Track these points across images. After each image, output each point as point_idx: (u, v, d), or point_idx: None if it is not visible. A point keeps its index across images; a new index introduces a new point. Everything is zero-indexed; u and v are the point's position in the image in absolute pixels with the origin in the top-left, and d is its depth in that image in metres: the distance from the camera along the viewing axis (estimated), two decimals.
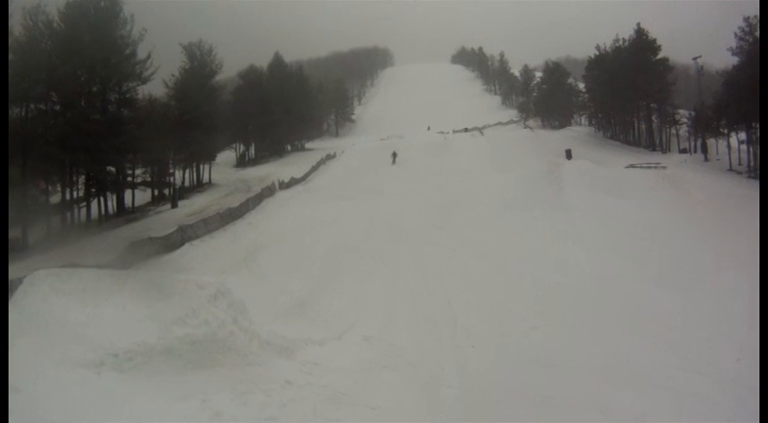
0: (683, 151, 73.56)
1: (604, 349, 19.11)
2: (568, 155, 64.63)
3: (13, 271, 19.98)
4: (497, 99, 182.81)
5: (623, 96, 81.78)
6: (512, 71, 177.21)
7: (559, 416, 14.60)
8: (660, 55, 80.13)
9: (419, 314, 23.80)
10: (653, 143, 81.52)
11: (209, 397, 13.57)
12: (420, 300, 25.68)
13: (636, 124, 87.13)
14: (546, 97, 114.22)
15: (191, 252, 35.54)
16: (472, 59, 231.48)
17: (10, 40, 40.18)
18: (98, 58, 46.74)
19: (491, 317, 23.01)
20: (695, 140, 73.00)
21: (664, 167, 55.24)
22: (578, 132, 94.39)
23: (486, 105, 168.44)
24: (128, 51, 50.79)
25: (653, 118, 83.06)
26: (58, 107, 44.45)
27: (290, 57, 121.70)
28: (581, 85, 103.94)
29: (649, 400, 15.40)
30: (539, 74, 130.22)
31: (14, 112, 41.40)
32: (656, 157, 67.91)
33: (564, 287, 26.28)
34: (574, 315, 22.83)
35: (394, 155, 70.17)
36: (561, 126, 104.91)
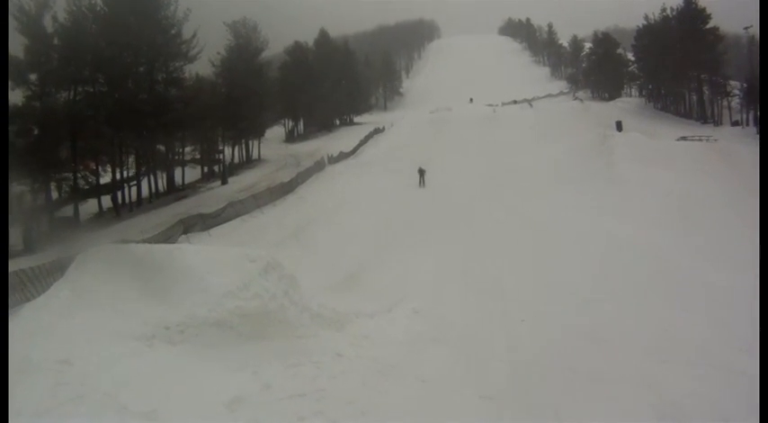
0: (735, 124, 71.99)
1: (654, 325, 18.76)
2: (619, 127, 63.85)
3: (65, 249, 20.34)
4: (546, 70, 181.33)
5: (673, 67, 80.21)
6: (560, 42, 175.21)
7: (608, 391, 14.45)
8: (710, 24, 78.52)
9: (469, 287, 23.67)
10: (704, 115, 79.97)
11: (260, 369, 13.64)
12: (470, 273, 25.52)
13: (687, 96, 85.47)
14: (595, 68, 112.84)
15: (241, 227, 35.90)
16: (520, 31, 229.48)
17: (54, 26, 41.09)
18: (143, 39, 47.26)
19: (540, 290, 22.82)
20: (747, 113, 71.31)
21: (715, 140, 54.34)
22: (628, 104, 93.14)
23: (534, 77, 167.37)
24: (173, 31, 51.20)
25: (704, 89, 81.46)
26: (105, 89, 45.04)
27: (335, 32, 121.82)
28: (630, 56, 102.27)
29: (698, 378, 15.15)
30: (588, 44, 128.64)
31: (62, 95, 42.22)
32: (707, 130, 66.83)
33: (614, 261, 25.88)
34: (624, 290, 22.47)
35: (421, 172, 46.94)
36: (611, 97, 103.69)
